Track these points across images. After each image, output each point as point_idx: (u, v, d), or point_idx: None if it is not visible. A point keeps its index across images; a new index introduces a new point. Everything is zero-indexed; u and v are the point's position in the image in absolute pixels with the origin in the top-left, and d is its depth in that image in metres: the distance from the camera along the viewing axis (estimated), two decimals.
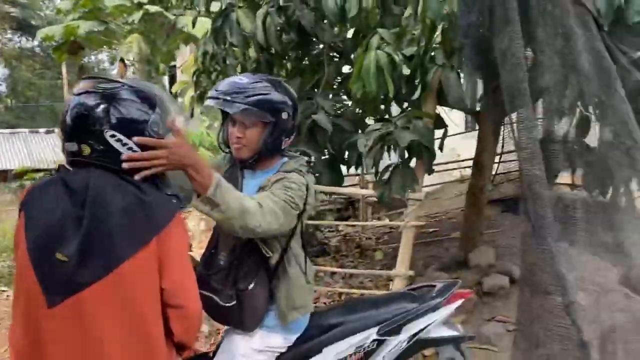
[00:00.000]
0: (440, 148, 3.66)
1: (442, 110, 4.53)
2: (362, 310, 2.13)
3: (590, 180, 2.86)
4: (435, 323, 2.08)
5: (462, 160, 8.39)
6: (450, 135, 7.64)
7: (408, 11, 3.01)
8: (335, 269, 4.90)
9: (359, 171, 5.02)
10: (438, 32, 3.02)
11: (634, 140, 2.52)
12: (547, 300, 2.28)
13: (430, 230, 6.77)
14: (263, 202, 1.75)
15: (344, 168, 4.02)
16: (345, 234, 6.99)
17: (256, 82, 1.94)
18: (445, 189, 8.99)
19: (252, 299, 1.89)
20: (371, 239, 6.69)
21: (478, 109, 4.04)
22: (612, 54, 2.49)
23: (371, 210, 8.11)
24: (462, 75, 3.01)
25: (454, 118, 6.77)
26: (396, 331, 2.02)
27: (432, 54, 3.07)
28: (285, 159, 2.04)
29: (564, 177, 3.04)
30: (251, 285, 1.88)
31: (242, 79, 1.95)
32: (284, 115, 1.94)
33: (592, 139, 3.04)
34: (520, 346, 2.39)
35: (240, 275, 1.90)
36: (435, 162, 7.61)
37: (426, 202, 9.07)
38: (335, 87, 4.37)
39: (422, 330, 2.05)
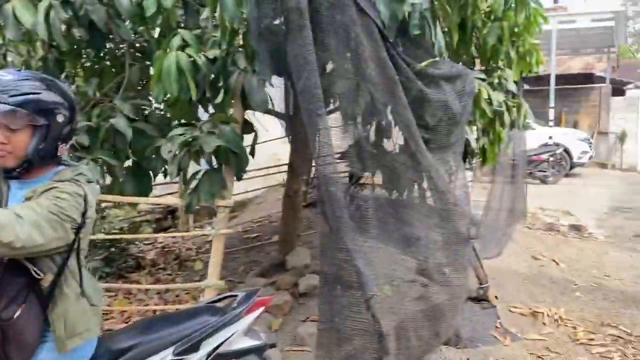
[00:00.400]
0: (252, 153, 3.63)
1: (256, 115, 4.53)
2: (158, 329, 1.98)
3: (388, 180, 3.07)
4: (236, 334, 2.01)
5: (283, 165, 8.56)
6: (271, 140, 7.75)
7: (206, 13, 2.93)
8: (137, 286, 4.62)
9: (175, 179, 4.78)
10: (240, 35, 2.99)
11: (417, 145, 2.76)
12: (347, 297, 2.37)
13: (253, 235, 6.78)
14: (23, 213, 1.51)
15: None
16: (164, 245, 6.66)
17: (24, 79, 1.69)
18: (268, 193, 9.11)
19: (19, 329, 1.62)
20: (192, 249, 6.47)
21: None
22: (397, 64, 2.70)
23: (193, 219, 7.86)
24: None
25: (275, 123, 6.86)
26: (194, 348, 1.91)
27: (235, 57, 3.01)
28: (62, 167, 1.81)
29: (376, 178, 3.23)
30: (17, 313, 1.61)
31: (5, 75, 1.69)
32: (59, 118, 1.73)
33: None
34: (323, 343, 2.45)
35: (2, 302, 1.62)
36: (257, 167, 7.61)
37: (251, 207, 9.13)
38: (141, 89, 4.10)
39: (222, 343, 1.97)
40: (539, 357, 3.73)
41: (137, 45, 4.20)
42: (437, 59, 3.23)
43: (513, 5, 4.52)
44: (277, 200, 8.08)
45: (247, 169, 3.31)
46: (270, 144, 7.85)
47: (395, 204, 2.81)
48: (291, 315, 3.99)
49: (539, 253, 6.25)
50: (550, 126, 13.87)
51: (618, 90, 17.29)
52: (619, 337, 4.16)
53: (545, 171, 12.28)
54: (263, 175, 8.70)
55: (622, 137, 16.65)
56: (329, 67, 2.60)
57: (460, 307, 3.20)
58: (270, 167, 8.74)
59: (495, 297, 4.50)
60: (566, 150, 13.09)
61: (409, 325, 2.67)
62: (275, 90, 4.10)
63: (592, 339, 4.08)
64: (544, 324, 4.30)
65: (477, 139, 4.77)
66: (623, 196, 11.30)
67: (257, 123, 4.33)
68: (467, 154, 4.71)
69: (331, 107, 3.53)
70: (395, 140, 3.17)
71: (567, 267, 5.88)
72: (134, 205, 4.50)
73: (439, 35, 3.05)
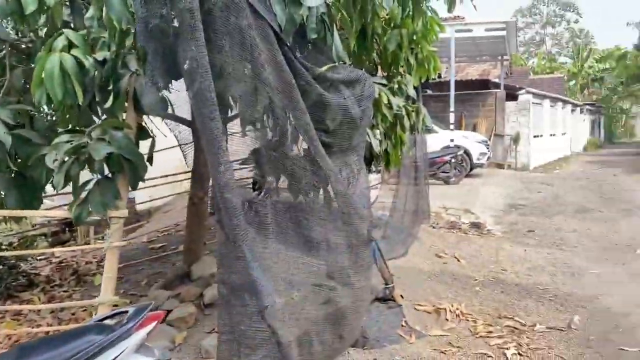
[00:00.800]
0: (150, 160, 3.46)
1: (163, 121, 4.34)
2: (39, 353, 1.82)
3: (290, 185, 3.04)
4: (126, 352, 1.90)
5: (190, 172, 8.31)
6: (177, 146, 7.49)
7: (91, 11, 2.75)
8: (27, 306, 4.27)
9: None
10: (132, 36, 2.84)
11: (316, 149, 2.76)
12: (246, 307, 2.31)
13: (159, 245, 6.52)
14: None
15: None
16: (61, 260, 6.23)
17: None
18: (176, 200, 8.82)
19: None
20: (92, 262, 6.10)
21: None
22: (294, 68, 2.68)
23: (94, 231, 7.43)
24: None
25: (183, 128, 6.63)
26: None
27: (126, 59, 2.86)
28: None
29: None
30: None
31: None
32: None
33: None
34: (224, 356, 2.37)
35: None
36: (164, 173, 7.31)
37: (157, 215, 8.79)
38: (26, 93, 3.80)
39: None
40: (442, 352, 3.86)
41: (23, 46, 3.90)
42: (337, 63, 3.26)
43: (411, 13, 4.67)
44: (185, 208, 7.84)
45: (153, 176, 3.16)
46: (178, 149, 7.59)
47: (296, 208, 2.79)
48: (196, 328, 3.86)
49: (441, 251, 6.51)
50: (451, 129, 14.60)
51: (511, 95, 18.56)
52: (515, 328, 4.41)
53: (447, 172, 12.89)
54: (171, 182, 8.40)
55: (516, 139, 17.89)
56: (225, 70, 2.53)
57: (364, 309, 3.24)
58: (178, 173, 8.45)
59: (401, 296, 4.62)
60: (466, 152, 13.84)
61: (311, 330, 2.65)
62: (177, 94, 3.95)
63: (490, 332, 4.29)
64: (446, 319, 4.46)
65: (380, 143, 4.89)
66: (517, 194, 12.11)
67: (160, 129, 4.18)
68: (372, 157, 4.82)
69: (233, 112, 3.47)
70: (297, 145, 3.17)
71: (467, 263, 6.18)
72: (18, 219, 4.15)
73: (337, 39, 3.08)
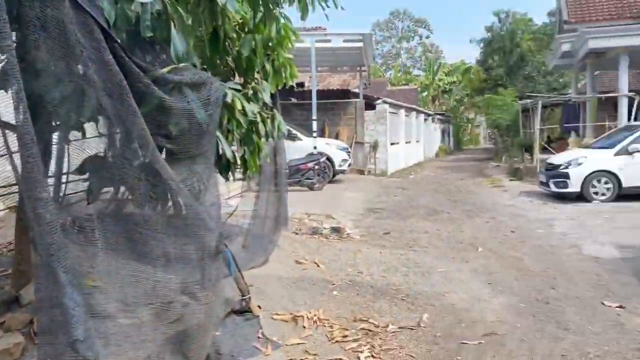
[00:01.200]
0: None
1: None
2: None
3: (137, 194, 2.78)
4: None
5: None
6: (13, 153, 6.68)
7: None
8: None
9: None
10: None
11: (153, 156, 2.55)
12: (65, 337, 2.04)
13: None
14: None
15: None
16: None
17: None
18: (10, 216, 7.86)
19: None
20: None
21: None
22: (127, 69, 2.45)
23: None
24: None
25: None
26: None
27: None
28: None
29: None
30: None
31: None
32: None
33: None
34: None
35: None
36: None
37: None
38: None
39: None
40: None
41: None
42: (181, 65, 3.07)
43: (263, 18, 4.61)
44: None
45: None
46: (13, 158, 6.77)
47: (132, 222, 2.55)
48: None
49: (302, 257, 6.53)
50: (315, 137, 14.95)
51: (370, 105, 19.52)
52: (369, 330, 4.51)
53: (312, 179, 13.15)
54: (6, 194, 7.47)
55: (374, 147, 18.85)
56: (43, 68, 2.23)
57: (212, 325, 3.08)
58: (12, 185, 7.54)
59: (259, 306, 4.51)
60: (329, 159, 14.28)
61: (153, 352, 2.44)
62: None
63: (346, 336, 4.34)
64: (304, 327, 4.44)
65: (237, 150, 4.75)
66: (376, 198, 12.71)
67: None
68: (229, 165, 4.67)
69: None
70: (144, 152, 2.92)
71: (326, 268, 6.26)
72: None
73: (176, 39, 2.89)
